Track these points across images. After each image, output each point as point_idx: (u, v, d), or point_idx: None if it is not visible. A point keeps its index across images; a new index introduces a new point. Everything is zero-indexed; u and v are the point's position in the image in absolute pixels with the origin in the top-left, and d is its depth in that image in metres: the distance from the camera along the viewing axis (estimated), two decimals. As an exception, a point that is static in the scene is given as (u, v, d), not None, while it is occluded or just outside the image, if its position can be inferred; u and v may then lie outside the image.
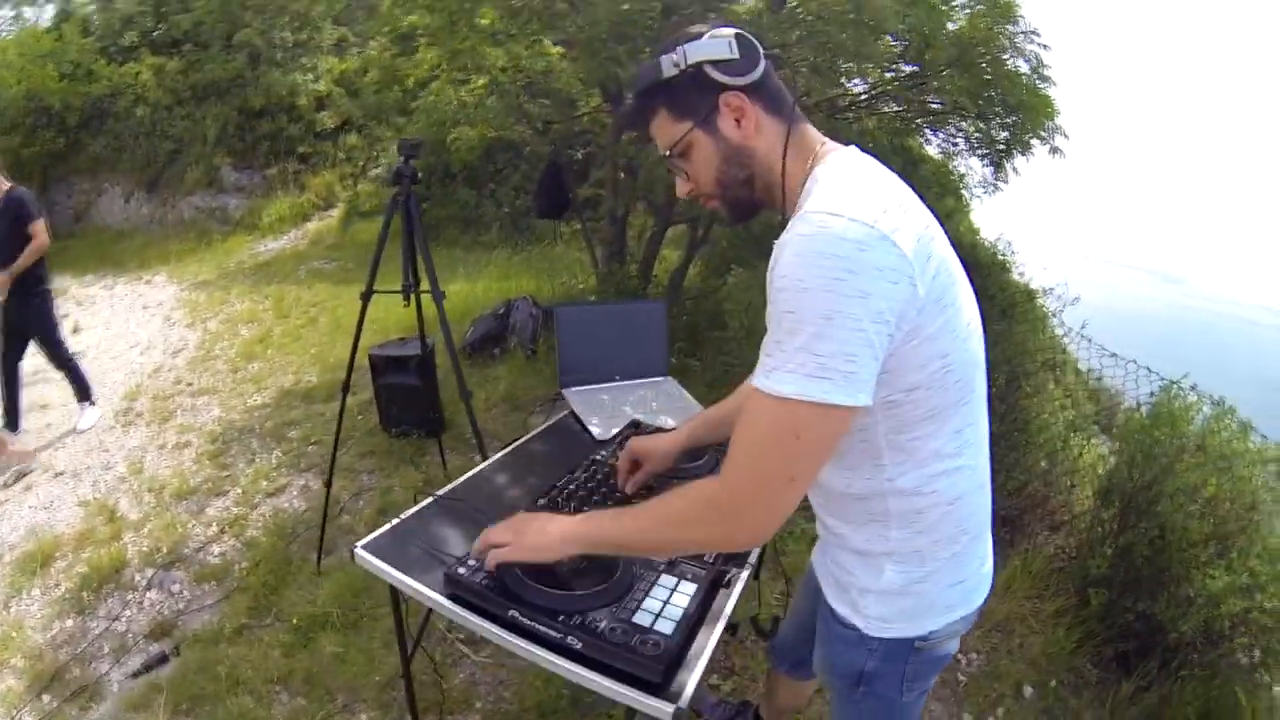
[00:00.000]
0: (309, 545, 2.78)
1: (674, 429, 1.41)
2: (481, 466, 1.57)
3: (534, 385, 4.20)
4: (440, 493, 1.38)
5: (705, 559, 1.19)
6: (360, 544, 1.22)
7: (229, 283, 7.20)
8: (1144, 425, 2.60)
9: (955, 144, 4.55)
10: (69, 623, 2.50)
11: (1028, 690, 2.37)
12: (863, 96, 4.50)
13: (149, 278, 7.63)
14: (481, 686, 2.19)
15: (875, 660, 1.08)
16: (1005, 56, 3.67)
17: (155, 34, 9.41)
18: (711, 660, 2.32)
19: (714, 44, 0.93)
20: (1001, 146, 4.20)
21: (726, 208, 1.03)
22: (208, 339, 5.50)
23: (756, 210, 1.03)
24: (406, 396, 3.51)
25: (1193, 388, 2.58)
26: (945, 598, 1.05)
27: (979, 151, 4.39)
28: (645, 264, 4.73)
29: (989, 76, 3.74)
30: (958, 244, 1.00)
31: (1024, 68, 3.71)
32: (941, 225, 0.97)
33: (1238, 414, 2.46)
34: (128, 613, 2.53)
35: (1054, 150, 3.94)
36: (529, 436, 1.78)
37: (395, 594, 1.26)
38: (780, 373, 0.84)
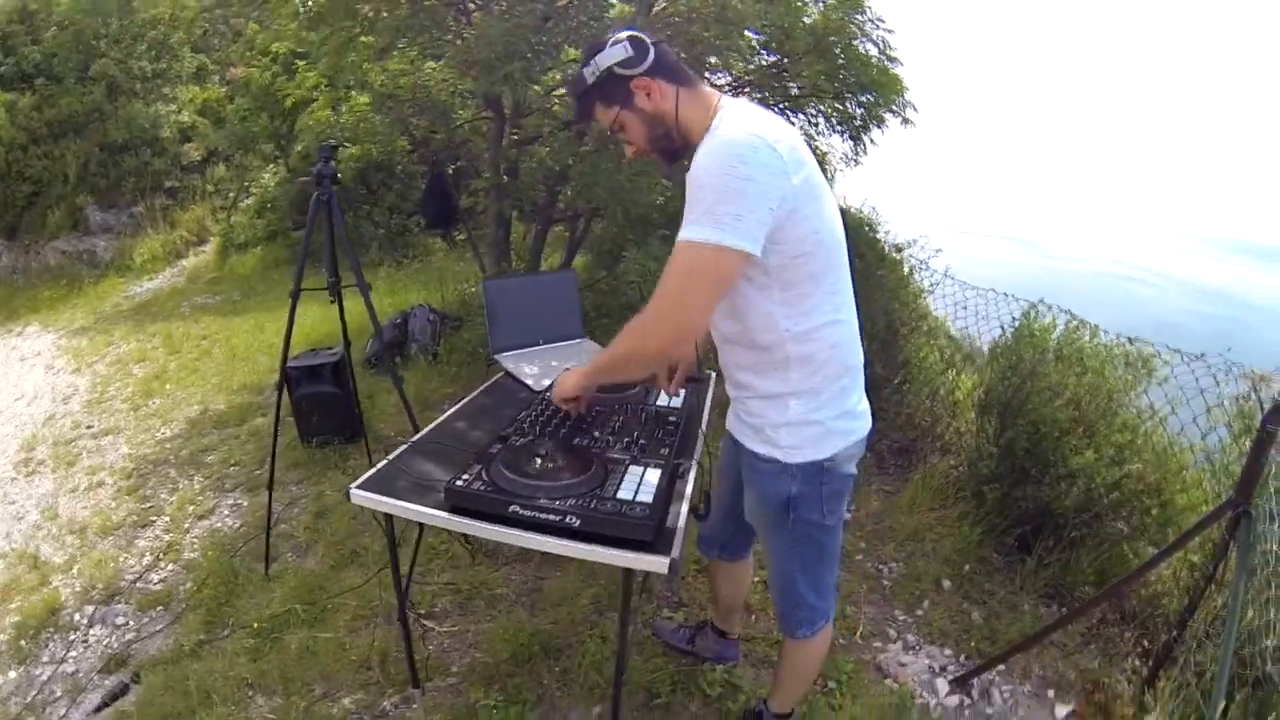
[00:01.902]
0: (253, 557, 2.78)
1: None
2: (443, 418, 1.71)
3: (439, 385, 4.28)
4: (415, 439, 1.51)
5: (662, 453, 1.40)
6: (354, 485, 1.33)
7: (109, 325, 6.79)
8: (1010, 343, 2.99)
9: (815, 124, 4.96)
10: (12, 674, 2.38)
11: (946, 583, 2.69)
12: (727, 88, 4.83)
13: (20, 329, 7.07)
14: (453, 653, 2.29)
15: (797, 484, 1.38)
16: (856, 42, 4.08)
17: (3, 68, 8.68)
18: (661, 595, 2.52)
19: (614, 50, 1.28)
20: (858, 122, 4.63)
21: (660, 156, 1.38)
22: (99, 382, 5.21)
23: (683, 153, 1.34)
24: (325, 405, 3.53)
25: (1049, 308, 2.98)
26: (839, 425, 1.38)
27: (838, 128, 4.81)
28: (532, 264, 4.88)
29: (843, 61, 4.14)
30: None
31: (873, 51, 4.13)
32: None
33: (1088, 324, 2.86)
34: (74, 653, 2.45)
35: (905, 121, 4.40)
36: (475, 393, 1.93)
37: (391, 528, 1.38)
38: (689, 227, 1.17)
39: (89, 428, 4.34)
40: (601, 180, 3.65)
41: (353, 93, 4.63)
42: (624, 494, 1.19)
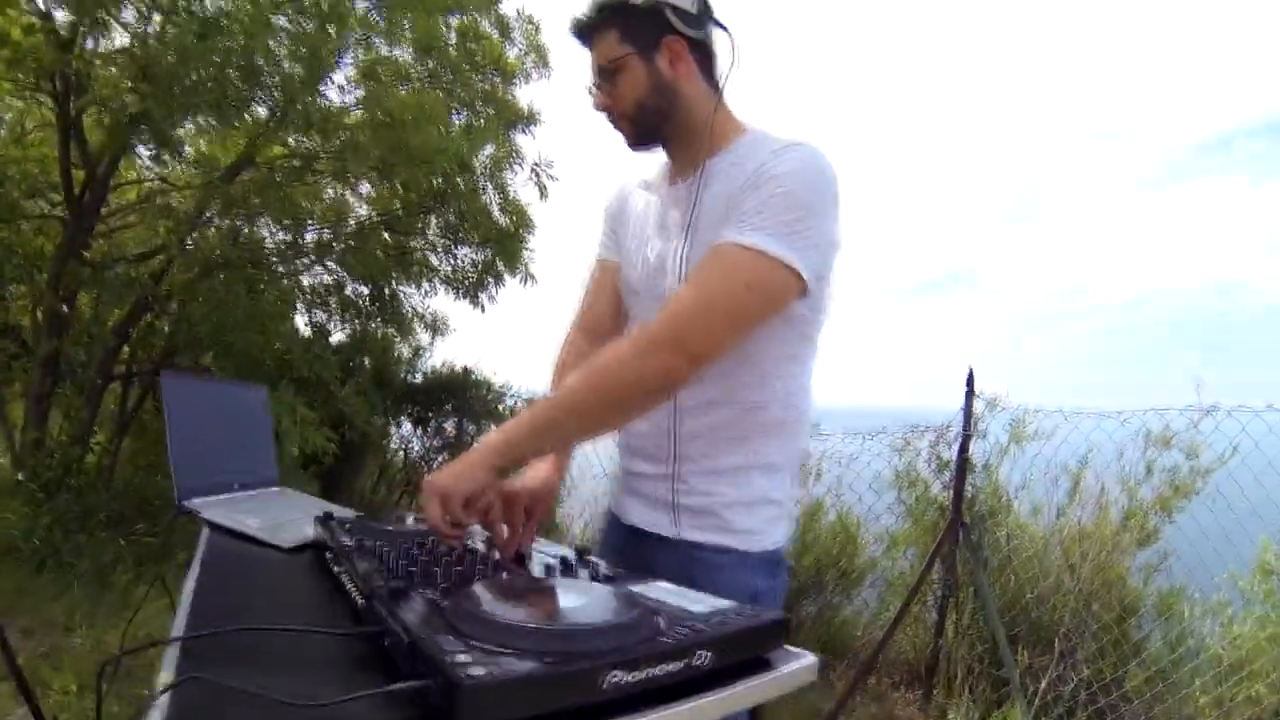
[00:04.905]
0: None
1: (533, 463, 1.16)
2: (189, 601, 0.88)
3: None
4: (178, 636, 0.76)
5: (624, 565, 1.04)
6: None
7: None
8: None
9: (422, 286, 4.82)
10: None
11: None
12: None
13: None
14: None
15: (761, 577, 1.13)
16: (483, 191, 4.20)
17: None
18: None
19: None
20: (473, 279, 4.62)
21: (634, 129, 1.13)
22: None
23: (659, 143, 1.15)
24: None
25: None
26: (788, 507, 1.20)
27: (455, 288, 4.72)
28: (81, 433, 3.55)
29: (464, 210, 4.20)
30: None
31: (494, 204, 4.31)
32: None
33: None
34: None
35: (527, 279, 4.58)
36: (198, 570, 1.07)
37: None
38: (757, 233, 0.97)
39: None
40: (214, 316, 2.88)
41: None
42: (697, 607, 0.84)
